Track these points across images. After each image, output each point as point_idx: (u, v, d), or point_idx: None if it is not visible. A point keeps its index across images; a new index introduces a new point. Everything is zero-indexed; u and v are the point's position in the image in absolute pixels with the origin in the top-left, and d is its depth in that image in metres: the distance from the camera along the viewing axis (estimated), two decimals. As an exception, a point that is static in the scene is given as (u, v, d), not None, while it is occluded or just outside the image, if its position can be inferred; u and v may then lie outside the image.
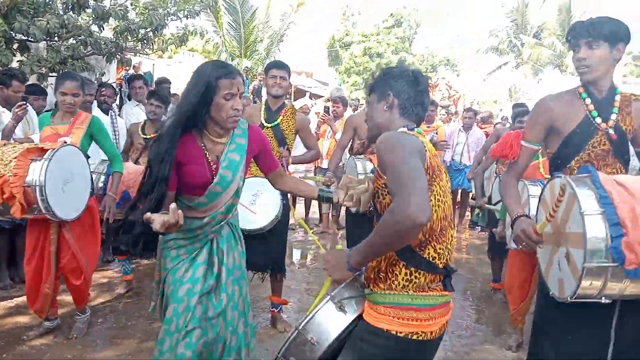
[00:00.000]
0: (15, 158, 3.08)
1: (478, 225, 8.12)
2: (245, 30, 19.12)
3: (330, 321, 1.74)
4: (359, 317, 1.79)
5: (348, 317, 1.75)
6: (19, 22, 4.79)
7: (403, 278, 1.72)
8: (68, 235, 3.49)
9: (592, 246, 1.88)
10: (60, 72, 5.66)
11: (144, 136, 4.74)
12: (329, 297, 1.78)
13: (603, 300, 1.95)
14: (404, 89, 1.89)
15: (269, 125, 3.84)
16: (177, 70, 20.33)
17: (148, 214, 1.87)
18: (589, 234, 1.88)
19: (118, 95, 8.61)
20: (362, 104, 11.83)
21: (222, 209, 2.32)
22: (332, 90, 10.67)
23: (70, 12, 5.79)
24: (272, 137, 3.80)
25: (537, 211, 2.43)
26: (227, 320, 2.36)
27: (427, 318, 1.71)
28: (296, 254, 6.44)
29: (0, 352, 3.45)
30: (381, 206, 1.80)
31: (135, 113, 5.78)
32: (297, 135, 4.05)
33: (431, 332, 1.72)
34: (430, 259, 1.73)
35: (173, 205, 1.87)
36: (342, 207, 7.90)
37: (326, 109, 7.01)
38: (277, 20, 20.19)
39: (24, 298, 4.34)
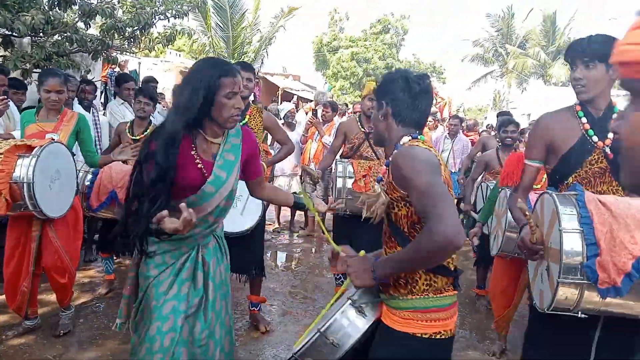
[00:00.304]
0: (1, 154, 3.04)
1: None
2: (233, 32, 19.07)
3: (351, 324, 1.80)
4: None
5: (367, 321, 1.82)
6: (2, 16, 4.71)
7: (423, 283, 1.77)
8: (52, 233, 3.45)
9: (568, 262, 1.93)
10: (45, 68, 5.59)
11: (132, 136, 4.66)
12: (349, 300, 1.83)
13: (580, 315, 1.99)
14: (396, 96, 1.88)
15: None
16: (163, 70, 20.23)
17: (163, 213, 1.85)
18: (565, 250, 1.94)
19: (103, 93, 8.55)
20: (350, 109, 11.89)
21: (213, 211, 2.19)
22: (316, 93, 10.70)
23: (56, 9, 5.72)
24: None
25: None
26: (216, 339, 2.25)
27: (446, 317, 1.79)
28: (281, 257, 6.42)
29: (-23, 352, 3.39)
30: (396, 217, 1.82)
31: (121, 111, 5.72)
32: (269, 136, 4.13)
33: (450, 330, 1.81)
34: (445, 263, 1.79)
35: (183, 204, 1.86)
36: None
37: (314, 112, 7.04)
38: (266, 23, 20.21)
39: (2, 297, 4.29)
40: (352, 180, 4.20)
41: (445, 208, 1.54)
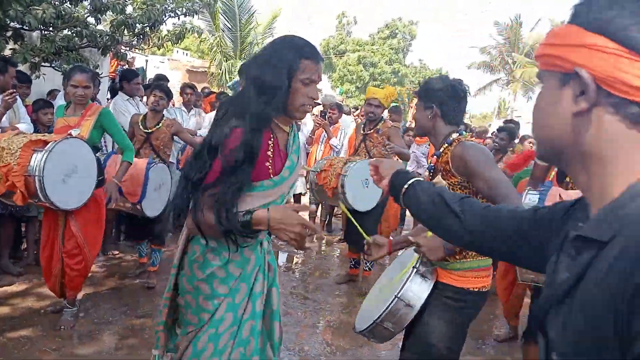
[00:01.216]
0: (20, 148, 3.25)
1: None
2: (241, 33, 19.11)
3: (420, 288, 2.22)
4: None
5: (430, 283, 2.24)
6: (14, 9, 4.73)
7: None
8: (73, 222, 3.63)
9: None
10: (54, 62, 5.62)
11: (145, 130, 4.78)
12: (414, 269, 2.23)
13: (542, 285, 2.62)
14: (444, 101, 2.25)
15: None
16: (170, 68, 20.28)
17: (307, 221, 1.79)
18: None
19: (111, 89, 8.57)
20: (357, 112, 11.92)
21: (277, 199, 1.96)
22: (325, 96, 10.70)
23: (67, 3, 5.75)
24: None
25: None
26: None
27: (487, 275, 2.27)
28: (282, 257, 6.41)
29: (-23, 343, 3.40)
30: None
31: (125, 107, 5.74)
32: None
33: (489, 283, 2.30)
34: None
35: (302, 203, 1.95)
36: (332, 213, 7.97)
37: (323, 114, 7.03)
38: (280, 29, 20.39)
39: (4, 289, 4.33)
40: (315, 173, 4.96)
41: (514, 196, 2.01)
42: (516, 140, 6.58)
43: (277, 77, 1.76)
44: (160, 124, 4.79)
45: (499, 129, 5.37)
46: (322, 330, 4.23)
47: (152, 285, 4.73)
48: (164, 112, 5.03)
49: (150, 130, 4.76)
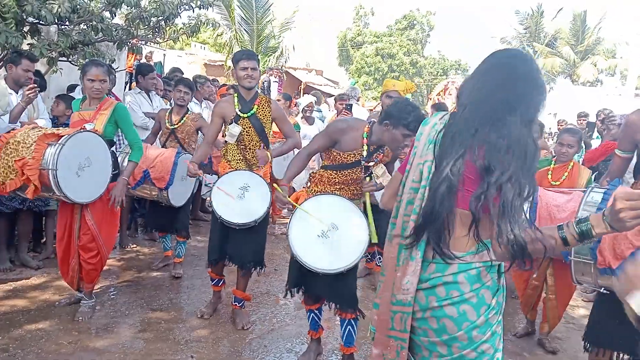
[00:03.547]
0: (34, 142, 3.31)
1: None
2: (258, 25, 19.07)
3: None
4: None
5: None
6: (30, 4, 4.74)
7: None
8: (88, 216, 3.67)
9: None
10: (70, 56, 5.64)
11: (172, 125, 4.88)
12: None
13: (602, 290, 2.50)
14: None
15: (245, 115, 3.74)
16: (188, 62, 20.35)
17: None
18: None
19: (128, 83, 8.61)
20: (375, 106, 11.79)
21: None
22: (348, 89, 10.58)
23: (83, -3, 5.75)
24: (250, 127, 3.75)
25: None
26: None
27: None
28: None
29: (-4, 335, 3.43)
30: None
31: (138, 100, 5.78)
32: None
33: None
34: None
35: None
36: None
37: (348, 107, 6.92)
38: (298, 23, 20.31)
39: (23, 282, 4.37)
40: None
41: None
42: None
43: None
44: (185, 118, 4.89)
45: None
46: (338, 324, 4.18)
47: (179, 275, 4.81)
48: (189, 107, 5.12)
49: (175, 125, 4.87)
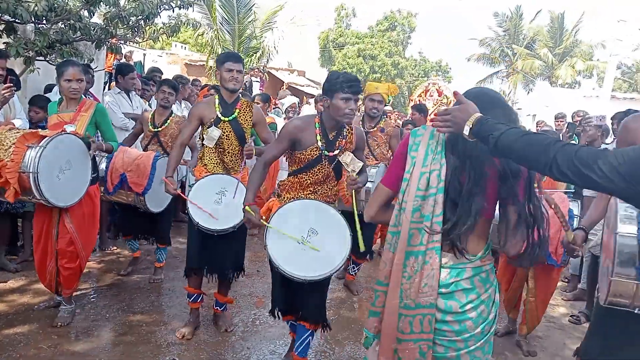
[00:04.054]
0: (13, 144, 3.20)
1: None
2: (239, 25, 18.98)
3: None
4: None
5: None
6: (5, 2, 4.65)
7: None
8: (67, 220, 3.61)
9: (623, 260, 2.13)
10: (48, 56, 5.54)
11: (154, 128, 4.75)
12: None
13: (636, 311, 2.15)
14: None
15: (227, 119, 3.63)
16: (168, 62, 20.18)
17: None
18: (619, 250, 2.13)
19: (107, 83, 8.50)
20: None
21: None
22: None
23: (60, -5, 5.66)
24: (230, 131, 3.64)
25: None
26: None
27: None
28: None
29: (-28, 340, 3.35)
30: None
31: (117, 100, 5.68)
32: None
33: None
34: None
35: None
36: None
37: None
38: (280, 23, 20.20)
39: (0, 286, 4.28)
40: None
41: None
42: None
43: None
44: (169, 121, 4.77)
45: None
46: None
47: (158, 281, 4.72)
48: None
49: (159, 128, 4.75)
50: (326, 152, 2.98)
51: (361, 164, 3.03)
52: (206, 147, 3.69)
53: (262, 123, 3.83)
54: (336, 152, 3.01)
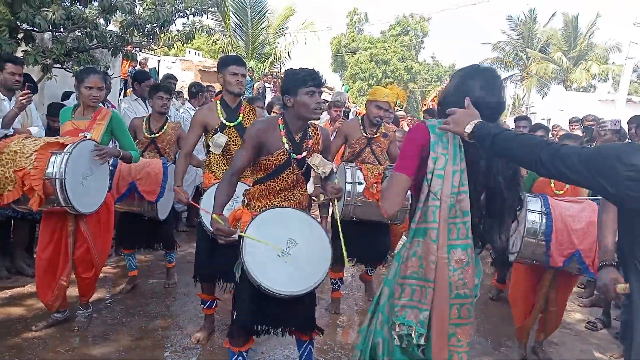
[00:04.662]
0: (35, 151, 3.20)
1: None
2: (253, 32, 19.10)
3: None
4: None
5: None
6: (24, 11, 4.75)
7: None
8: (84, 227, 3.57)
9: None
10: (65, 63, 5.63)
11: (151, 134, 4.67)
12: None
13: None
14: None
15: (232, 124, 3.55)
16: (182, 68, 20.34)
17: None
18: None
19: (123, 90, 8.61)
20: (355, 110, 11.77)
21: None
22: (335, 94, 10.59)
23: (77, 4, 5.76)
24: (236, 137, 3.55)
25: None
26: None
27: None
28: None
29: (-9, 343, 3.40)
30: None
31: (133, 107, 5.76)
32: None
33: None
34: None
35: None
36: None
37: (346, 113, 6.65)
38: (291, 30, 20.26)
39: (19, 289, 4.34)
40: (363, 186, 4.08)
41: None
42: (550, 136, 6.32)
43: None
44: (166, 127, 4.69)
45: (535, 128, 5.04)
46: (332, 330, 4.18)
47: (173, 285, 4.75)
48: (170, 115, 4.96)
49: (156, 134, 4.66)
50: (294, 155, 2.76)
51: (331, 165, 2.86)
52: (212, 154, 3.61)
53: None
54: (304, 154, 2.80)
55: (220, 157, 3.61)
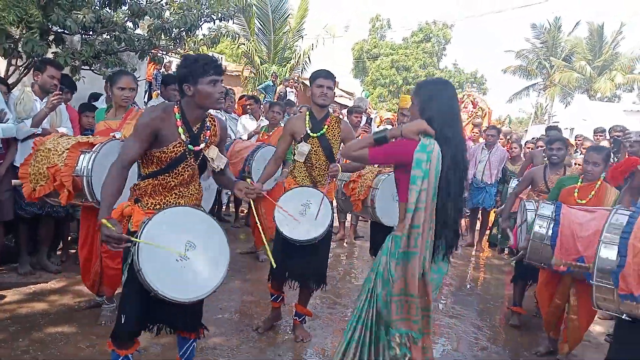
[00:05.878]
0: (67, 149, 3.42)
1: (496, 245, 8.03)
2: (275, 37, 19.23)
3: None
4: None
5: None
6: (56, 14, 4.88)
7: None
8: None
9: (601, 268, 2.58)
10: (93, 65, 5.76)
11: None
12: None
13: (624, 317, 2.47)
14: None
15: (315, 135, 3.74)
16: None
17: None
18: (599, 258, 2.60)
19: (147, 92, 8.75)
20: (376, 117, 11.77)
21: None
22: (357, 99, 10.59)
23: (107, 8, 5.90)
24: (318, 147, 3.74)
25: None
26: None
27: None
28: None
29: (16, 337, 3.49)
30: None
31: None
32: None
33: None
34: None
35: None
36: (359, 217, 7.84)
37: (369, 120, 6.73)
38: (309, 32, 20.27)
39: (42, 285, 4.44)
40: (343, 183, 4.74)
41: None
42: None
43: None
44: None
45: (552, 140, 4.94)
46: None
47: None
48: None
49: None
50: (191, 147, 2.57)
51: (225, 160, 2.75)
52: (296, 161, 3.83)
53: (350, 139, 3.81)
54: (202, 146, 2.62)
55: (302, 165, 3.82)
